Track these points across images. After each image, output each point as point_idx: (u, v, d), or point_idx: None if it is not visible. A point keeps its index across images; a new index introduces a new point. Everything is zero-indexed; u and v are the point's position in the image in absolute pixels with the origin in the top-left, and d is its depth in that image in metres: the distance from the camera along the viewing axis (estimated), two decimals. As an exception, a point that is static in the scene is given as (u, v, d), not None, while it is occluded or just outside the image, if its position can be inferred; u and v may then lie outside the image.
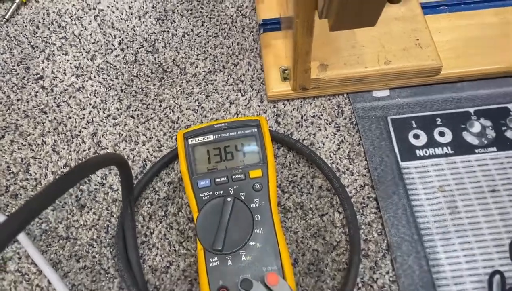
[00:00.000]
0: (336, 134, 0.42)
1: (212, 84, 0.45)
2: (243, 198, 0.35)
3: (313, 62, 0.41)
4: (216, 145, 0.38)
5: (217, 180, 0.36)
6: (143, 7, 0.50)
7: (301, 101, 0.44)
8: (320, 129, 0.42)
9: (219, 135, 0.38)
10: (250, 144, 0.38)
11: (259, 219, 0.35)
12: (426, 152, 0.40)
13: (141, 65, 0.47)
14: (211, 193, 0.36)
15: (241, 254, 0.33)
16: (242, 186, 0.36)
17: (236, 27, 0.49)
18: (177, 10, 0.50)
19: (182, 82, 0.45)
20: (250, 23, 0.49)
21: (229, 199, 0.35)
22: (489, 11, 0.46)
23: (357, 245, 0.35)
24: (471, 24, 0.45)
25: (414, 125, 0.42)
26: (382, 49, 0.42)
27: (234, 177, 0.36)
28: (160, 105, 0.44)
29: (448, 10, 0.46)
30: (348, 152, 0.41)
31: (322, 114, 0.43)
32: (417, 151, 0.40)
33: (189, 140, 0.38)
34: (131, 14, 0.50)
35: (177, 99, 0.44)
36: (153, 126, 0.43)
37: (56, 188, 0.22)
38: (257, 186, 0.36)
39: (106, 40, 0.48)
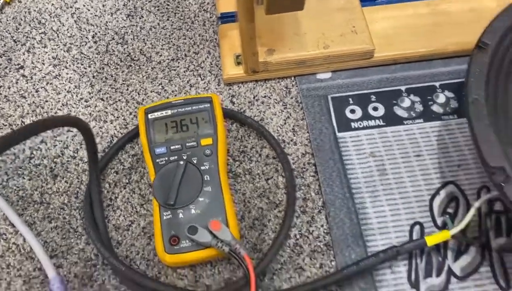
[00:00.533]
0: (283, 111, 0.47)
1: (174, 70, 0.50)
2: (195, 162, 0.40)
3: (262, 47, 0.47)
4: (173, 119, 0.43)
5: (172, 147, 0.41)
6: (115, 5, 0.56)
7: (253, 84, 0.49)
8: (269, 108, 0.47)
9: (176, 110, 0.43)
10: (203, 117, 0.43)
11: (208, 179, 0.40)
12: (360, 124, 0.46)
13: (112, 55, 0.52)
14: (166, 158, 0.41)
15: (191, 208, 0.38)
16: (194, 152, 0.41)
17: (198, 21, 0.54)
18: (146, 7, 0.56)
19: (147, 69, 0.51)
20: (210, 17, 0.54)
21: (181, 163, 0.40)
22: (421, 2, 0.52)
23: (292, 199, 0.40)
24: (405, 14, 0.51)
25: (351, 102, 0.47)
26: (322, 36, 0.47)
27: (187, 144, 0.41)
28: (127, 89, 0.49)
29: (385, 2, 0.52)
30: (293, 126, 0.46)
31: (272, 95, 0.48)
32: (352, 123, 0.46)
33: (149, 115, 0.43)
34: (104, 11, 0.56)
35: (143, 83, 0.50)
36: (120, 107, 0.48)
37: (20, 133, 0.27)
38: (207, 151, 0.41)
39: (81, 34, 0.54)
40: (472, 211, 0.35)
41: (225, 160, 0.41)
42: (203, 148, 0.41)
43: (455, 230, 0.35)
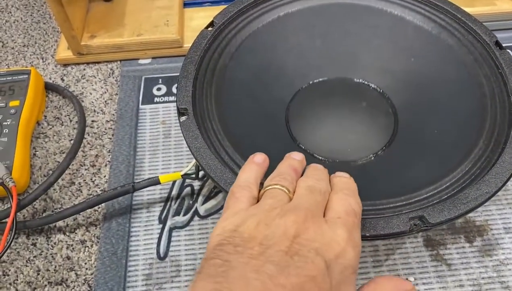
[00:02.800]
0: (102, 88, 0.55)
1: (23, 54, 0.59)
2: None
3: (86, 34, 0.56)
4: (-3, 86, 0.51)
5: (-14, 106, 0.49)
6: (-10, 2, 0.65)
7: (85, 66, 0.58)
8: (92, 85, 0.56)
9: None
10: (20, 85, 0.51)
11: (6, 132, 0.47)
12: (162, 99, 0.54)
13: (-27, 40, 0.61)
14: (-21, 115, 0.49)
15: (-14, 152, 0.46)
16: (2, 111, 0.49)
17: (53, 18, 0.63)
18: (15, 5, 0.65)
19: (1, 54, 0.59)
20: (66, 13, 0.64)
21: (-12, 118, 0.48)
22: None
23: (72, 151, 0.47)
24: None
25: (160, 82, 0.55)
26: (139, 26, 0.56)
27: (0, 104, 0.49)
28: (-22, 67, 0.58)
29: (209, 4, 0.61)
30: (106, 99, 0.54)
31: (97, 75, 0.57)
32: (156, 98, 0.54)
33: (-24, 82, 0.51)
34: (-20, 7, 0.65)
35: (-8, 63, 0.58)
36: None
37: None
38: (12, 111, 0.49)
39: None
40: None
41: (29, 119, 0.49)
42: (10, 108, 0.49)
43: (183, 171, 0.42)
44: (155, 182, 0.42)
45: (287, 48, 0.45)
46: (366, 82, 0.46)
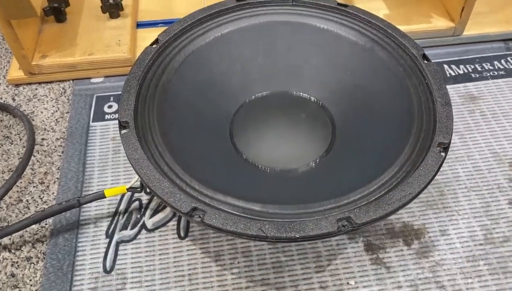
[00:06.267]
0: (54, 106, 0.56)
1: (-26, 75, 0.59)
2: None
3: (38, 54, 0.56)
4: None
5: None
6: None
7: (37, 86, 0.58)
8: (43, 104, 0.56)
9: None
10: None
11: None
12: (113, 116, 0.54)
13: None
14: None
15: None
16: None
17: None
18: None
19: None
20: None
21: None
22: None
23: (19, 169, 0.47)
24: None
25: (111, 100, 0.56)
26: (91, 45, 0.57)
27: None
28: None
29: (163, 25, 0.63)
30: (57, 118, 0.55)
31: (49, 94, 0.57)
32: (107, 116, 0.55)
33: None
34: None
35: None
36: None
37: None
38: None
39: None
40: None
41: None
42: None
43: (129, 185, 0.43)
44: (100, 196, 0.43)
45: (230, 64, 0.47)
46: (305, 95, 0.48)
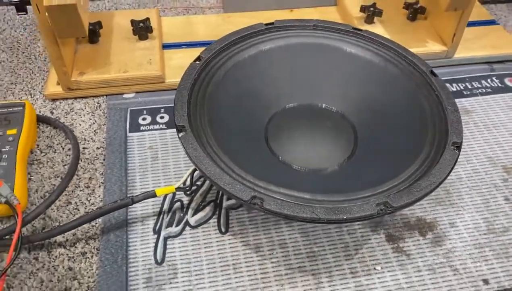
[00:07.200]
0: (91, 119, 0.60)
1: (11, 90, 0.63)
2: (-1, 145, 0.52)
3: (75, 71, 0.61)
4: (-7, 116, 0.55)
5: (-14, 135, 0.53)
6: (-26, 45, 0.69)
7: (72, 101, 0.63)
8: (80, 116, 0.61)
9: (-4, 111, 0.55)
10: (15, 116, 0.55)
11: (5, 157, 0.51)
12: (147, 128, 0.59)
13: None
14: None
15: (-12, 175, 0.49)
16: (0, 138, 0.53)
17: (40, 58, 0.68)
18: (1, 48, 0.70)
19: (-12, 89, 0.63)
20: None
21: (-11, 146, 0.51)
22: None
23: (70, 173, 0.52)
24: (194, 55, 0.67)
25: (145, 113, 0.61)
26: (125, 65, 0.63)
27: (-2, 133, 0.53)
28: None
29: (186, 47, 0.69)
30: (95, 129, 0.59)
31: (85, 108, 0.62)
32: (142, 127, 0.59)
33: (-28, 114, 0.55)
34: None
35: (-19, 99, 0.62)
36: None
37: None
38: (10, 138, 0.53)
39: None
40: (189, 171, 0.48)
41: (25, 146, 0.53)
42: (8, 136, 0.53)
43: (177, 184, 0.48)
44: (152, 195, 0.47)
45: (262, 79, 0.53)
46: (329, 107, 0.54)
